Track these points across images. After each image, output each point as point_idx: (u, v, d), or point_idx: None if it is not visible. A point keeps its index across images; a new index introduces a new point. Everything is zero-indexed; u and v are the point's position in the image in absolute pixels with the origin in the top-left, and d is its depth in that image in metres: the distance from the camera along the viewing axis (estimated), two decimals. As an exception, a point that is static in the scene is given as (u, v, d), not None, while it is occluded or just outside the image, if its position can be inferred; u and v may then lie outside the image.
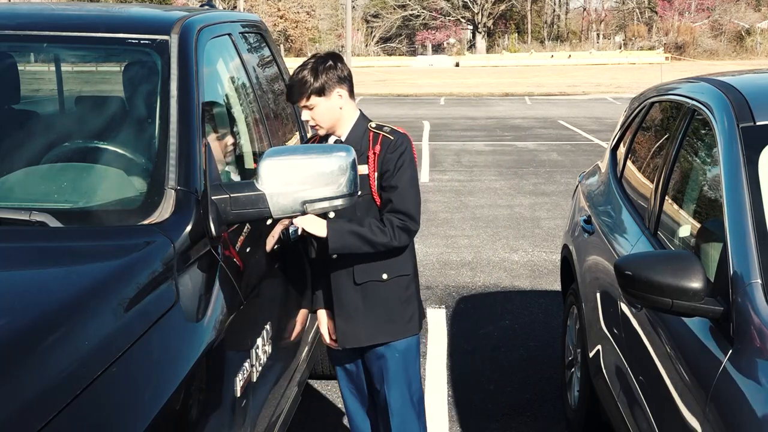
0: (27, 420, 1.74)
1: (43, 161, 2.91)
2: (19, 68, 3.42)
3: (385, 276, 3.42)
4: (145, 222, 2.50)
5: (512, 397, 4.91)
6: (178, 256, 2.39)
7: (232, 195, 2.72)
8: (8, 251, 2.36)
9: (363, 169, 3.32)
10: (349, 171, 2.81)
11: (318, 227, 3.26)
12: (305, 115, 3.38)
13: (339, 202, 2.83)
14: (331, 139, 3.44)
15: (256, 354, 2.78)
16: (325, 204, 2.81)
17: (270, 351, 3.01)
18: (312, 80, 3.31)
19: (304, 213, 2.82)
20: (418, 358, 3.59)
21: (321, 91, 3.32)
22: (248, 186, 2.75)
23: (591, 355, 4.09)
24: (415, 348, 3.55)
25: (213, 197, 2.70)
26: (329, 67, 3.34)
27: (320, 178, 2.77)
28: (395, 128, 3.45)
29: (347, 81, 3.40)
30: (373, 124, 3.43)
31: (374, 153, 3.36)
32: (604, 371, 3.81)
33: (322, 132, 3.41)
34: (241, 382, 2.54)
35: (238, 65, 3.71)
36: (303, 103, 3.34)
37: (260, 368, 2.83)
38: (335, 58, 3.43)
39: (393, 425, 3.53)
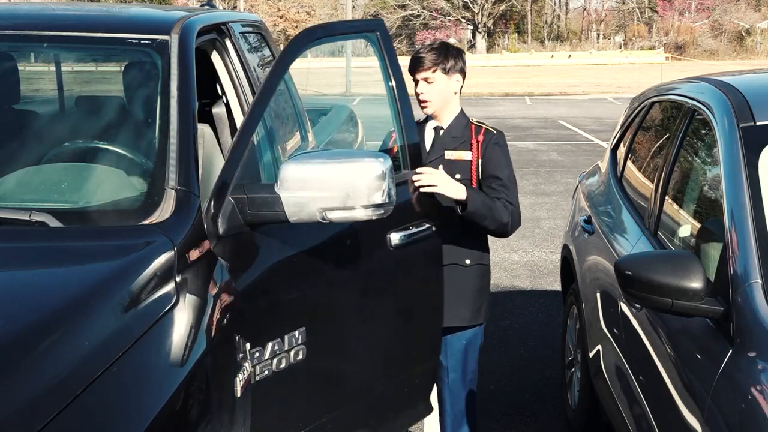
0: (27, 420, 1.75)
1: (43, 161, 2.91)
2: (20, 68, 3.42)
3: (468, 261, 3.65)
4: (146, 222, 2.50)
5: (512, 397, 4.91)
6: (178, 257, 2.38)
7: (249, 195, 2.70)
8: (8, 251, 2.36)
9: (466, 155, 3.60)
10: (377, 181, 2.67)
11: (457, 189, 3.43)
12: (421, 87, 3.59)
13: (359, 213, 2.69)
14: (430, 126, 3.68)
15: (258, 355, 2.75)
16: (344, 213, 2.68)
17: (299, 357, 2.90)
18: (443, 57, 3.58)
19: (323, 219, 2.69)
20: (479, 347, 3.81)
21: (447, 69, 3.58)
22: (266, 188, 2.71)
23: (591, 355, 4.09)
24: (480, 337, 3.78)
25: (232, 196, 2.69)
26: (458, 54, 3.63)
27: (341, 186, 2.65)
28: (492, 126, 3.75)
29: (464, 75, 3.69)
30: (474, 119, 3.71)
31: (477, 141, 3.61)
32: (604, 371, 3.81)
33: (429, 110, 3.63)
34: (241, 383, 2.53)
35: (239, 65, 3.71)
36: (426, 74, 3.58)
37: (268, 370, 2.78)
38: (461, 51, 3.73)
39: (447, 405, 3.78)
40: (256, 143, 3.50)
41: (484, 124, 3.69)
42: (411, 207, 3.45)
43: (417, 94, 3.63)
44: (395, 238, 3.32)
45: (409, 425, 3.70)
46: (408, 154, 3.44)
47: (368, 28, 3.52)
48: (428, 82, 3.59)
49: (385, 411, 3.54)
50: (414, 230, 3.39)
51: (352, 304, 3.26)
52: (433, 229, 3.47)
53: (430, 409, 3.77)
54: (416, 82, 3.63)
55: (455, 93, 3.64)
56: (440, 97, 3.61)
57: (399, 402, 3.59)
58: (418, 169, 3.44)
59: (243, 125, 2.87)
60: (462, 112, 3.70)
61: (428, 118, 3.73)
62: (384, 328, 3.45)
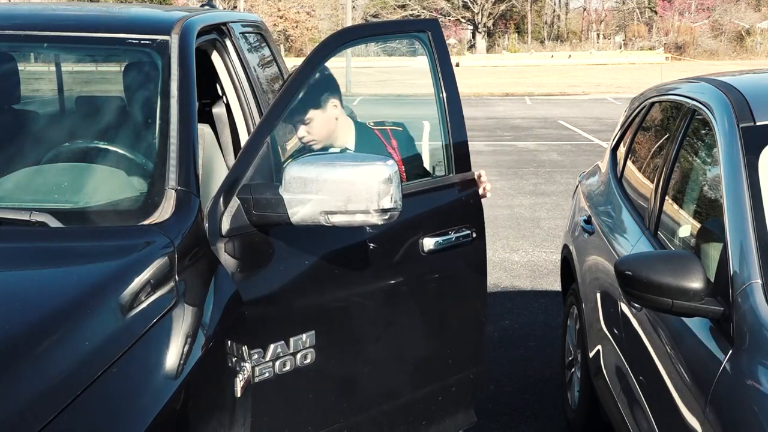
0: (27, 420, 1.75)
1: (43, 161, 2.91)
2: (20, 68, 3.42)
3: None
4: (146, 222, 2.49)
5: (512, 397, 4.91)
6: (178, 257, 2.38)
7: (254, 196, 2.68)
8: (9, 251, 2.36)
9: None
10: (383, 185, 2.60)
11: None
12: (301, 131, 3.31)
13: (363, 217, 2.62)
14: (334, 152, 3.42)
15: (258, 356, 2.74)
16: (348, 218, 2.62)
17: (307, 360, 2.87)
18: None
19: (326, 223, 2.64)
20: None
21: (318, 105, 3.27)
22: (271, 189, 2.68)
23: (591, 355, 4.09)
24: None
25: (238, 196, 2.68)
26: (322, 80, 3.29)
27: (346, 189, 2.60)
28: (393, 121, 3.52)
29: (338, 89, 3.36)
30: (371, 123, 3.43)
31: (393, 148, 3.40)
32: (604, 371, 3.81)
33: (318, 146, 3.35)
34: (241, 383, 2.53)
35: (239, 65, 3.71)
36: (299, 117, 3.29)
37: (269, 372, 2.77)
38: (324, 72, 3.35)
39: None
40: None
41: (384, 125, 3.45)
42: (449, 212, 3.37)
43: (299, 138, 3.39)
44: (429, 243, 3.23)
45: None
46: (454, 159, 3.36)
47: (419, 28, 3.38)
48: (305, 124, 3.33)
49: (416, 419, 3.44)
50: (452, 236, 3.31)
51: (374, 309, 3.18)
52: (474, 234, 3.38)
53: (471, 419, 3.66)
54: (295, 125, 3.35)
55: (336, 118, 3.36)
56: (323, 131, 3.37)
57: (433, 410, 3.49)
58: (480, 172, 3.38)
59: (261, 123, 2.85)
60: (356, 123, 3.46)
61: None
62: (412, 334, 3.36)
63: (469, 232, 3.37)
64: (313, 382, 2.95)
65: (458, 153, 3.37)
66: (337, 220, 2.63)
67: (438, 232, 3.27)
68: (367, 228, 2.99)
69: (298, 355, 2.85)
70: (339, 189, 2.60)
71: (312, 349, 2.89)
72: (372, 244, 3.10)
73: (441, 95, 3.35)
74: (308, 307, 2.96)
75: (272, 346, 2.77)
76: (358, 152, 3.41)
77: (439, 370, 3.49)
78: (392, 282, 3.22)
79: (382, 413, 3.30)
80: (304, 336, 2.86)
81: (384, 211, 2.62)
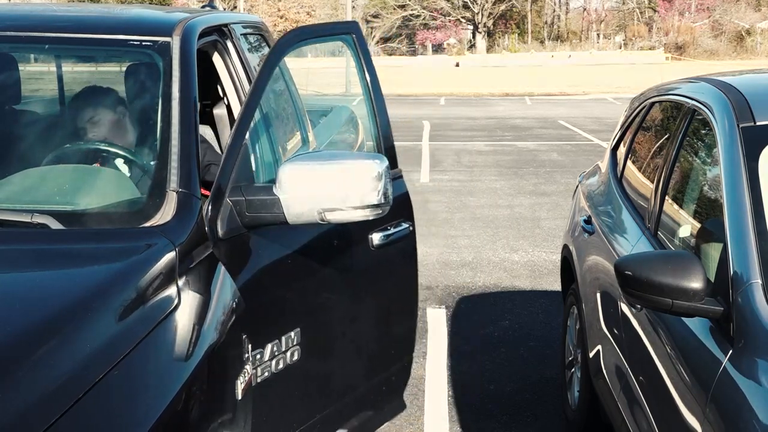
0: (29, 423, 1.75)
1: (44, 163, 2.91)
2: (20, 69, 3.42)
3: None
4: (147, 224, 2.49)
5: (512, 397, 4.91)
6: (179, 259, 2.38)
7: (247, 198, 2.69)
8: (10, 253, 2.36)
9: None
10: (373, 181, 2.69)
11: None
12: None
13: (356, 213, 2.70)
14: None
15: (259, 357, 2.75)
16: (343, 214, 2.70)
17: (294, 358, 2.93)
18: None
19: (322, 220, 2.71)
20: None
21: None
22: (265, 190, 2.70)
23: (591, 355, 4.09)
24: None
25: (230, 198, 2.69)
26: None
27: (340, 186, 2.66)
28: None
29: None
30: None
31: None
32: (604, 371, 3.82)
33: None
34: (242, 385, 2.53)
35: (240, 66, 3.71)
36: None
37: (268, 371, 2.79)
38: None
39: None
40: (254, 145, 3.50)
41: None
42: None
43: None
44: (376, 238, 3.36)
45: (382, 423, 3.72)
46: (384, 151, 3.48)
47: (345, 31, 3.56)
48: None
49: (366, 410, 3.57)
50: (393, 230, 3.43)
51: (340, 304, 3.31)
52: (411, 228, 3.54)
53: (403, 407, 3.80)
54: None
55: None
56: None
57: (377, 400, 3.64)
58: None
59: (235, 128, 2.86)
60: None
61: None
62: (367, 328, 3.51)
63: (407, 225, 3.51)
64: (298, 379, 3.01)
65: (388, 150, 3.51)
66: (332, 217, 2.70)
67: (382, 226, 3.38)
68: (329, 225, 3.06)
69: (288, 353, 2.91)
70: (333, 187, 2.67)
71: (298, 347, 2.95)
72: (335, 240, 3.24)
73: (369, 95, 3.50)
74: (294, 304, 3.03)
75: (269, 346, 2.81)
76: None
77: (386, 360, 3.65)
78: (353, 277, 3.36)
79: (345, 405, 3.41)
80: (292, 333, 2.93)
81: (376, 206, 2.72)
